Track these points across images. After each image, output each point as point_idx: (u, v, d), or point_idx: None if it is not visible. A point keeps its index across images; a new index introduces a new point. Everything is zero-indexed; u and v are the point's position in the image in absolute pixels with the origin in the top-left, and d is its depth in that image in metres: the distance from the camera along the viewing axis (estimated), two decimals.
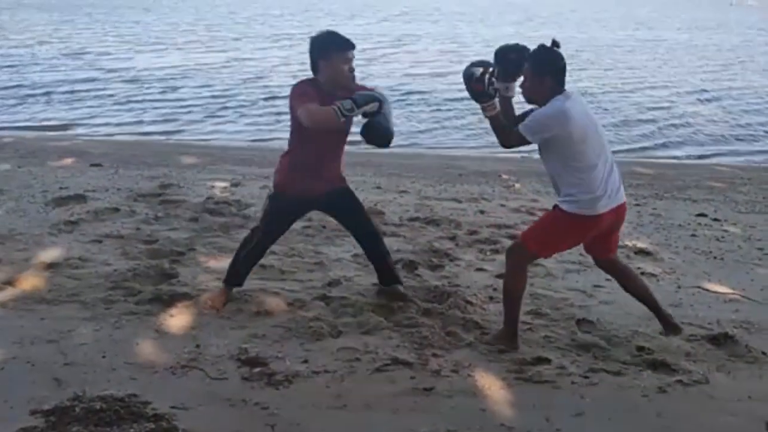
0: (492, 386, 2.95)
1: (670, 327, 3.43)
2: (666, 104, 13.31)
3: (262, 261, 4.27)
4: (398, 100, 12.94)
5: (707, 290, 4.20)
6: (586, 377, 3.04)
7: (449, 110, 12.23)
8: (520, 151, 9.83)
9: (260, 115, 11.50)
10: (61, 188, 5.94)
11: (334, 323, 3.45)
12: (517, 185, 7.15)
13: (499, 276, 4.30)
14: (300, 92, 3.34)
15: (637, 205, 6.49)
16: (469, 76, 3.19)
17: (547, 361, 3.16)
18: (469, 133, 10.89)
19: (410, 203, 6.15)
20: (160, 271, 4.01)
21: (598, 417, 2.74)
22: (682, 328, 3.42)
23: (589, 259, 4.72)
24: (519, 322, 3.35)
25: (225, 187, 6.36)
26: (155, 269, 4.02)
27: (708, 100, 13.99)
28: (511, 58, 3.21)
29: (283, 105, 12.16)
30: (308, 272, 4.19)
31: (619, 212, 3.24)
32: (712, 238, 5.39)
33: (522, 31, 26.75)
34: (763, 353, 3.32)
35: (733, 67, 18.91)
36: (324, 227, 5.13)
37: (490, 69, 3.18)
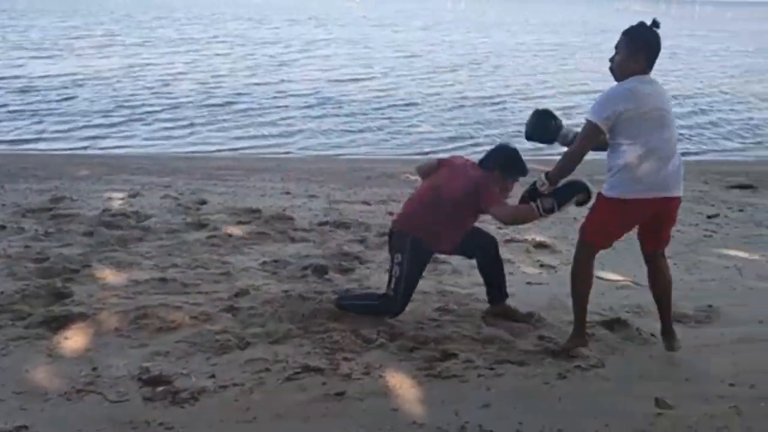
0: (402, 385, 2.98)
1: (669, 339, 3.32)
2: (565, 106, 13.96)
3: (163, 275, 4.14)
4: (311, 106, 12.89)
5: (601, 278, 4.44)
6: (492, 369, 3.14)
7: (362, 115, 12.32)
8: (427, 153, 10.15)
9: (172, 127, 11.02)
10: None
11: (242, 335, 3.38)
12: None
13: None
14: (493, 192, 3.47)
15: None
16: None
17: (455, 356, 3.24)
18: (381, 136, 11.02)
19: (319, 208, 6.14)
20: (53, 290, 3.78)
21: (504, 407, 2.83)
22: (680, 345, 3.29)
23: None
24: (584, 322, 3.36)
25: (122, 199, 6.09)
26: (47, 289, 3.79)
27: None
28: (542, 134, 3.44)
29: (193, 114, 11.84)
30: (214, 283, 4.08)
31: (664, 204, 3.11)
32: None
33: (431, 35, 27.32)
34: (652, 335, 3.56)
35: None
36: (230, 236, 5.02)
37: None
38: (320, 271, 4.36)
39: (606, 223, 3.20)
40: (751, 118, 13.81)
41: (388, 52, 21.23)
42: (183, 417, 2.68)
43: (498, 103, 13.93)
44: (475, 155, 3.79)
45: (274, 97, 13.53)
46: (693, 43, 28.98)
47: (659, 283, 3.38)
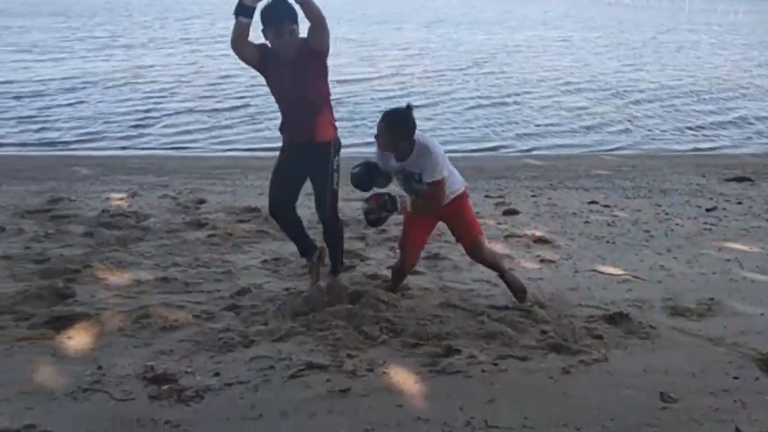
0: (407, 381, 2.99)
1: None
2: (580, 106, 13.94)
3: (164, 274, 4.14)
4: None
5: (602, 273, 4.46)
6: (496, 364, 3.15)
7: (357, 113, 12.29)
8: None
9: (180, 130, 10.85)
10: None
11: (245, 333, 3.38)
12: None
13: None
14: None
15: (534, 196, 6.79)
16: (366, 211, 3.58)
17: (458, 351, 3.24)
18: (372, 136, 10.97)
19: None
20: (54, 291, 3.77)
21: (509, 402, 2.84)
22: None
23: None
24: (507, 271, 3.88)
25: (121, 199, 6.08)
26: (48, 290, 3.77)
27: (609, 96, 14.84)
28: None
29: (200, 115, 11.76)
30: (215, 282, 4.08)
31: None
32: (603, 224, 5.73)
33: (436, 33, 27.20)
34: (651, 326, 3.56)
35: (647, 64, 20.09)
36: (230, 235, 5.02)
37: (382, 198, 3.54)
38: None
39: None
40: (749, 111, 13.85)
41: (394, 51, 21.13)
42: (189, 415, 2.68)
43: (516, 102, 13.81)
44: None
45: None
46: (694, 37, 29.05)
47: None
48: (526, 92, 14.83)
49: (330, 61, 3.72)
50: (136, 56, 18.13)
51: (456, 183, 3.67)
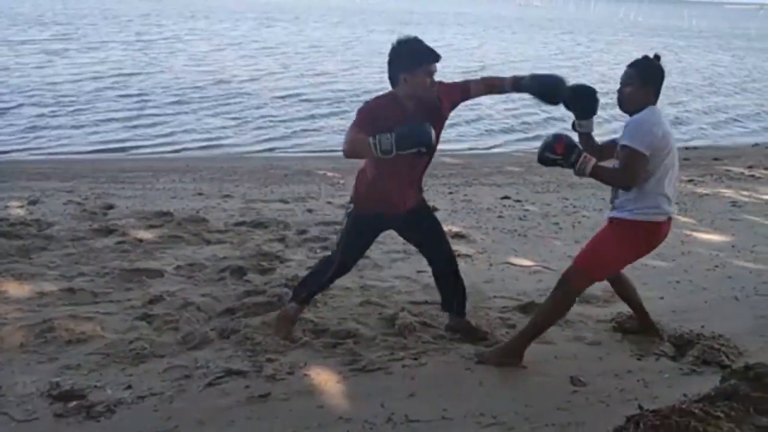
0: (328, 382, 2.98)
1: (651, 331, 3.48)
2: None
3: (70, 284, 3.94)
4: (221, 104, 12.58)
5: (515, 265, 4.61)
6: (416, 359, 3.19)
7: (271, 112, 12.15)
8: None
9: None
10: None
11: (159, 342, 3.26)
12: (342, 182, 7.28)
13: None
14: (358, 117, 3.03)
15: (451, 192, 6.94)
16: (546, 145, 2.96)
17: (378, 348, 3.26)
18: (294, 132, 10.91)
19: (235, 208, 6.00)
20: None
21: (428, 395, 2.88)
22: (663, 335, 3.45)
23: (412, 248, 4.98)
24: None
25: (21, 206, 5.73)
26: None
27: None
28: (584, 100, 3.21)
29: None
30: (125, 291, 3.91)
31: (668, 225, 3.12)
32: (515, 218, 5.93)
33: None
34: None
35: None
36: (141, 241, 4.83)
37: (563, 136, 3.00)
38: (239, 272, 4.27)
39: (624, 250, 3.14)
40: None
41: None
42: (99, 431, 2.56)
43: None
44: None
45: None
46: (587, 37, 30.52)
47: (630, 290, 3.50)
48: None
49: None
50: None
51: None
